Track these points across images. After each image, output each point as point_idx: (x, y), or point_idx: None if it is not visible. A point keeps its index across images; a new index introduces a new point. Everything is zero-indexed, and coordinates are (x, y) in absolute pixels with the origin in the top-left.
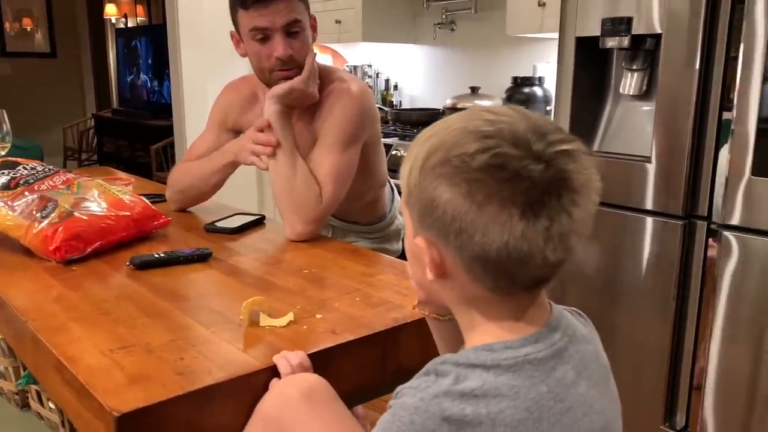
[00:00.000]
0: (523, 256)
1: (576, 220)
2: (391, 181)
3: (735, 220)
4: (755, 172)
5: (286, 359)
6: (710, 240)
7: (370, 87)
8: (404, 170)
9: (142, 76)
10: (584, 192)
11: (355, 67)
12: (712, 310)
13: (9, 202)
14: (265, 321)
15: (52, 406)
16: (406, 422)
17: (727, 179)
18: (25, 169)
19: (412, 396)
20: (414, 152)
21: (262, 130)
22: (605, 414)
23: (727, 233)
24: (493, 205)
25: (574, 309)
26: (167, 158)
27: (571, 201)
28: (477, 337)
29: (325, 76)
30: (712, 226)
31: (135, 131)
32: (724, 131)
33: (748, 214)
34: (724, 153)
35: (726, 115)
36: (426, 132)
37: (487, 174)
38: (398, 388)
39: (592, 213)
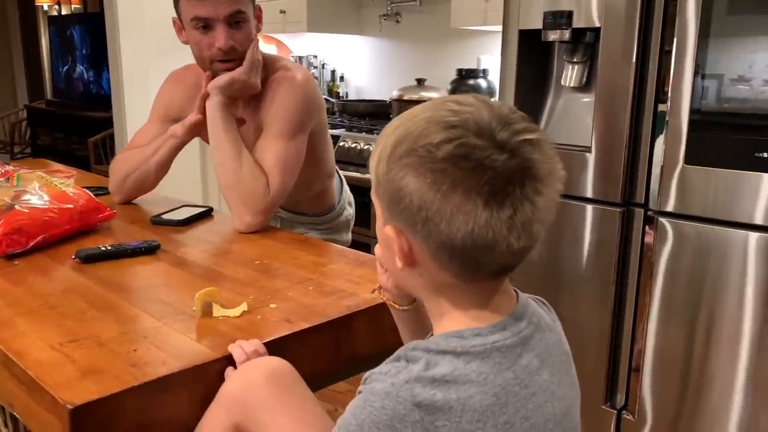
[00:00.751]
0: (488, 244)
1: (539, 209)
2: (340, 172)
3: (669, 207)
4: (688, 160)
5: (240, 348)
6: (647, 226)
7: (316, 78)
8: (373, 161)
9: (78, 66)
10: (548, 181)
11: (300, 58)
12: (649, 294)
13: None
14: (218, 311)
15: None
16: (378, 407)
17: (662, 168)
18: None
19: (382, 381)
20: (382, 143)
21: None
22: (566, 400)
23: (662, 219)
24: (457, 195)
25: (538, 297)
26: (106, 151)
27: (534, 190)
28: (446, 324)
29: (269, 65)
30: (649, 213)
31: (71, 123)
32: (659, 122)
33: (681, 201)
34: (660, 143)
35: (661, 107)
36: (393, 122)
37: (451, 164)
38: (367, 373)
39: (556, 201)
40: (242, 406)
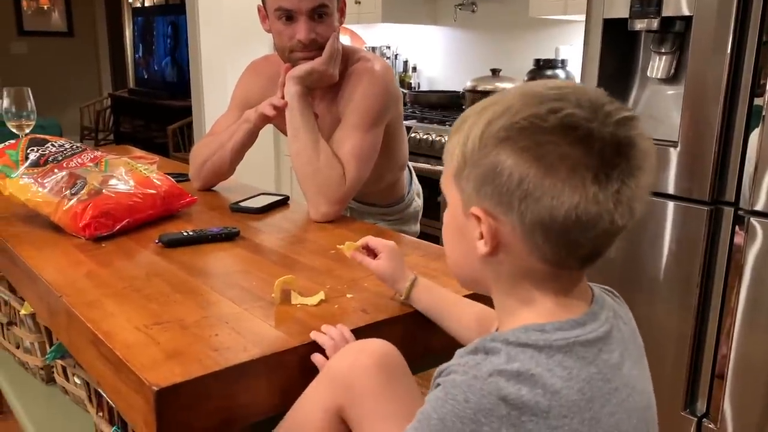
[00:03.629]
0: (591, 220)
1: (641, 186)
2: (409, 163)
3: (761, 206)
4: None
5: (327, 334)
6: (736, 226)
7: None
8: (456, 141)
9: (159, 56)
10: (648, 158)
11: (374, 48)
12: (736, 298)
13: (39, 179)
14: (296, 299)
15: (77, 381)
16: (461, 400)
17: (756, 165)
18: (54, 146)
19: (463, 373)
20: (468, 123)
21: (276, 108)
22: (645, 394)
23: (753, 219)
24: (564, 168)
25: (607, 288)
26: (184, 139)
27: (637, 166)
28: (524, 316)
29: (348, 56)
30: (739, 212)
31: (152, 111)
32: (754, 117)
33: None
34: (754, 138)
35: (757, 101)
36: (477, 106)
37: (559, 135)
38: (443, 366)
39: (652, 181)
40: (348, 390)
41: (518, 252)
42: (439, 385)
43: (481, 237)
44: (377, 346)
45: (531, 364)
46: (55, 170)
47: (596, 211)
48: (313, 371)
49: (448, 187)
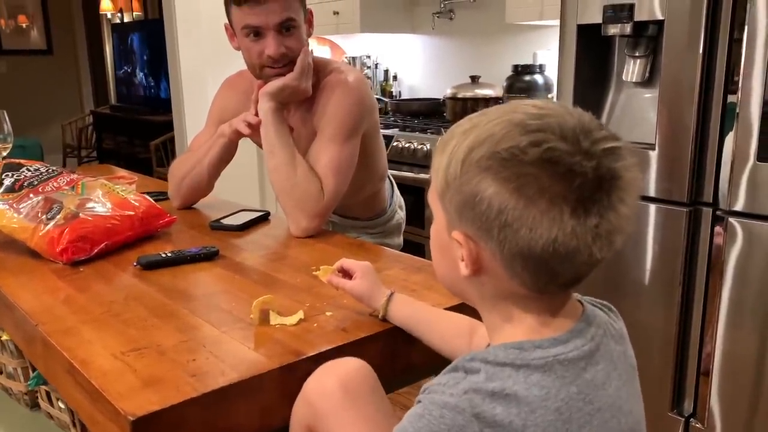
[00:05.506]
0: (569, 253)
1: (622, 218)
2: (390, 176)
3: (739, 206)
4: (760, 157)
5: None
6: (716, 226)
7: (369, 78)
8: (440, 162)
9: (140, 72)
10: (630, 189)
11: (353, 58)
12: (718, 297)
13: (14, 205)
14: (275, 320)
15: (62, 405)
16: (436, 416)
17: (732, 165)
18: (29, 170)
19: (441, 393)
20: (452, 144)
21: (251, 126)
22: (633, 415)
23: (732, 219)
24: (543, 201)
25: (605, 303)
26: (167, 154)
27: (619, 199)
28: (506, 335)
29: (321, 69)
30: (718, 213)
31: (134, 127)
32: (728, 116)
33: (752, 200)
34: (730, 138)
35: (731, 98)
36: (463, 124)
37: (539, 169)
38: (425, 385)
39: (635, 211)
40: (313, 411)
41: (499, 276)
42: (420, 402)
43: (463, 259)
44: (345, 366)
45: (508, 383)
46: (31, 195)
47: (574, 245)
48: (292, 394)
49: (434, 203)
